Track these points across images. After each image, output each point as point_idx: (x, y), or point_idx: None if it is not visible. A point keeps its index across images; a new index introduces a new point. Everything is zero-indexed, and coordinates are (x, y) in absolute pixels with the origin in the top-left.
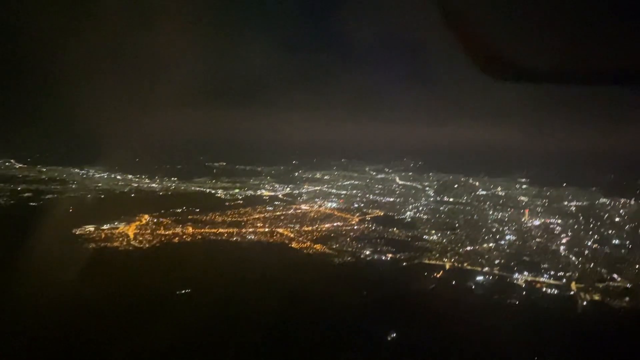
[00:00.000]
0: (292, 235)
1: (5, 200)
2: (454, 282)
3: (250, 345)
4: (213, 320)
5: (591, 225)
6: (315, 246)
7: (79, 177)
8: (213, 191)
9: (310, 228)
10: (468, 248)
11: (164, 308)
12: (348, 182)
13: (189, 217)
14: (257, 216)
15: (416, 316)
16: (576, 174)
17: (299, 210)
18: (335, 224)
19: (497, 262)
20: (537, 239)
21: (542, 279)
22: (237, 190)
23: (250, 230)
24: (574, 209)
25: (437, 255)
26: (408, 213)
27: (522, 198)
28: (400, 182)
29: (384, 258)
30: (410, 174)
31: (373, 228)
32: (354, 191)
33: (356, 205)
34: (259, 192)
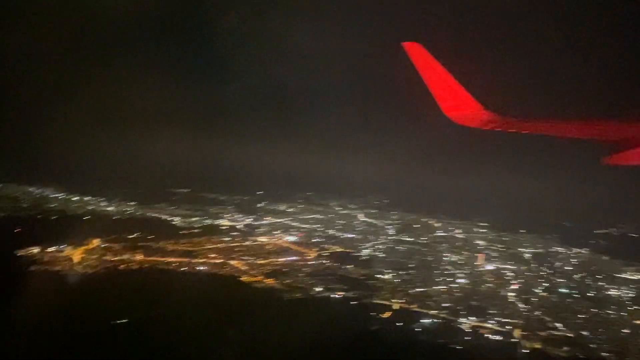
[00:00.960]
0: (244, 268)
1: None
2: (399, 324)
3: None
4: (145, 354)
5: (542, 273)
6: (266, 280)
7: (33, 196)
8: (170, 218)
9: (264, 261)
10: (419, 289)
11: (95, 338)
12: (311, 216)
13: (140, 244)
14: (211, 246)
15: (357, 357)
16: (535, 221)
17: (256, 242)
18: (290, 258)
19: (445, 305)
20: (488, 284)
21: (487, 325)
22: (195, 219)
23: (202, 260)
24: (528, 255)
25: (388, 295)
26: (365, 250)
27: (480, 242)
28: (363, 219)
29: (333, 296)
30: (373, 211)
31: (328, 264)
32: (316, 225)
33: (315, 240)
34: (217, 222)
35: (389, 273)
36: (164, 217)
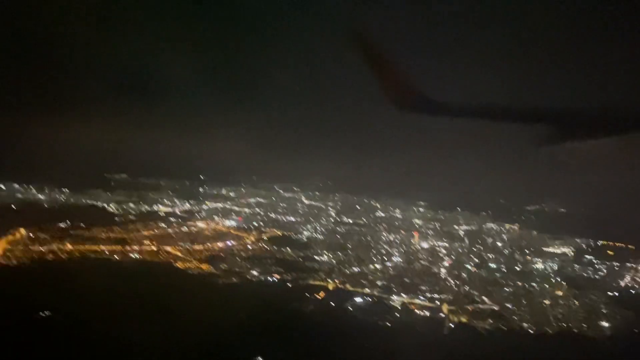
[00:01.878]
0: (179, 255)
1: None
2: (332, 304)
3: None
4: (69, 347)
5: (474, 249)
6: (201, 266)
7: None
8: (105, 205)
9: (201, 247)
10: (355, 269)
11: (16, 332)
12: (253, 200)
13: (71, 232)
14: (146, 233)
15: (288, 339)
16: (471, 200)
17: (194, 228)
18: (228, 243)
19: (379, 283)
20: (422, 261)
21: (417, 301)
22: (131, 205)
23: (136, 248)
24: (462, 232)
25: (323, 276)
26: (305, 233)
27: (417, 221)
28: (306, 202)
29: (270, 279)
30: (317, 193)
31: (267, 248)
32: (257, 209)
33: (255, 224)
34: (155, 208)
35: (326, 254)
36: (99, 204)
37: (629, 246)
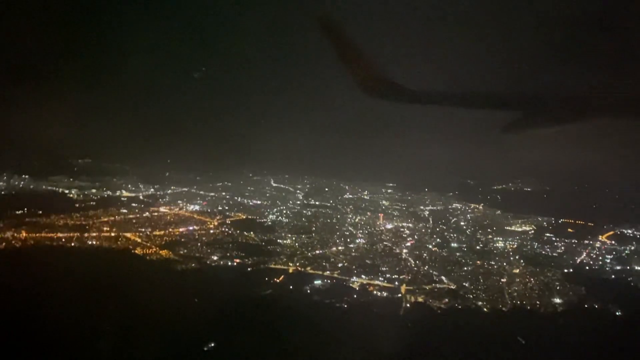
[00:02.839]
0: (139, 240)
1: None
2: (291, 287)
3: None
4: (17, 336)
5: (437, 229)
6: (161, 252)
7: None
8: (67, 191)
9: (161, 232)
10: (317, 252)
11: None
12: (219, 184)
13: (27, 219)
14: (106, 219)
15: (243, 324)
16: (439, 181)
17: (156, 213)
18: (190, 228)
19: (340, 265)
20: (385, 242)
21: (376, 282)
22: (93, 191)
23: (94, 234)
24: (427, 213)
25: (285, 259)
26: (271, 216)
27: (384, 202)
28: (274, 185)
29: (230, 264)
30: (286, 176)
31: (229, 232)
32: (223, 193)
33: (220, 208)
34: (118, 193)
35: (290, 237)
36: (59, 190)
37: (589, 224)
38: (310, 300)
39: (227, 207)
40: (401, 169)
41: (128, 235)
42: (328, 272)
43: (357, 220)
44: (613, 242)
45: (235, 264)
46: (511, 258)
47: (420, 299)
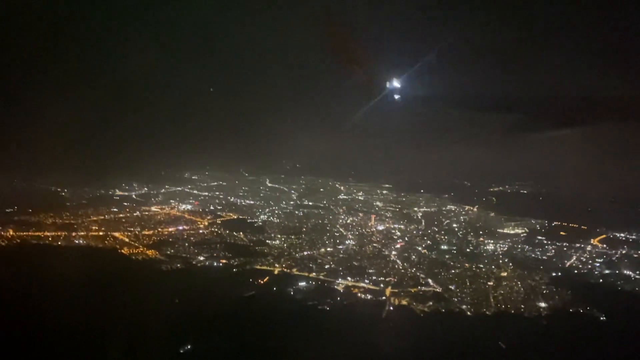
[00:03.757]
0: (126, 240)
1: None
2: (274, 288)
3: None
4: None
5: (429, 231)
6: (147, 252)
7: None
8: (59, 189)
9: (150, 232)
10: (305, 253)
11: None
12: (215, 183)
13: (15, 218)
14: (95, 218)
15: (222, 325)
16: (436, 183)
17: (147, 213)
18: (180, 228)
19: (327, 267)
20: (374, 244)
21: (361, 284)
22: (86, 189)
23: (82, 234)
24: (420, 214)
25: (271, 260)
26: (262, 217)
27: (378, 203)
28: (269, 185)
29: (215, 264)
30: (282, 176)
31: (219, 232)
32: (217, 193)
33: (212, 208)
34: (111, 192)
35: (279, 238)
36: (52, 188)
37: (582, 227)
38: (292, 302)
39: (219, 207)
40: (398, 169)
41: (116, 234)
42: (314, 273)
43: (348, 221)
44: (605, 245)
45: (220, 264)
46: (500, 261)
47: (404, 302)
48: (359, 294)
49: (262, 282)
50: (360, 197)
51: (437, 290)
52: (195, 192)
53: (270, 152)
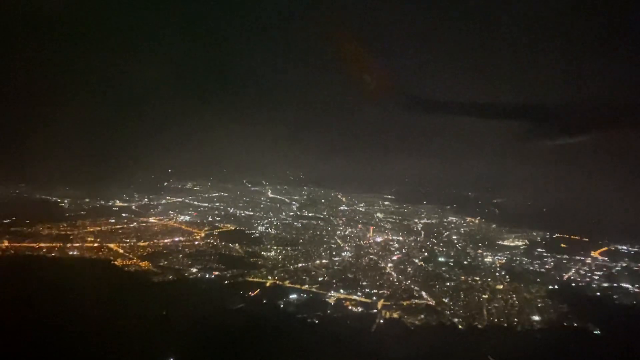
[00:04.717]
0: (121, 251)
1: None
2: (264, 301)
3: None
4: None
5: (427, 243)
6: (141, 263)
7: None
8: (59, 200)
9: (145, 243)
10: (300, 265)
11: None
12: (216, 194)
13: (12, 229)
14: (91, 229)
15: (207, 338)
16: (440, 193)
17: (144, 224)
18: (176, 239)
19: (320, 279)
20: (371, 256)
21: (354, 297)
22: (86, 200)
23: (77, 245)
24: (420, 226)
25: (265, 272)
26: (260, 228)
27: (378, 214)
28: (271, 196)
29: (208, 276)
30: (285, 187)
31: (214, 243)
32: (217, 203)
33: (210, 219)
34: (111, 202)
35: (275, 250)
36: (53, 198)
37: (584, 239)
38: (281, 315)
39: (217, 218)
40: (403, 180)
41: (111, 245)
42: (306, 285)
43: (347, 232)
44: (605, 258)
45: (213, 276)
46: (497, 274)
47: (395, 315)
48: (350, 307)
49: (252, 294)
50: (361, 209)
51: (430, 303)
52: (195, 203)
53: (274, 162)
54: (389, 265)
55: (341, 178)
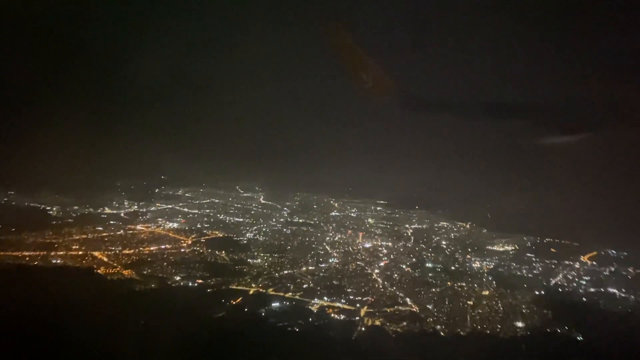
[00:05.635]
0: (104, 260)
1: None
2: (246, 309)
3: None
4: None
5: (416, 249)
6: (124, 271)
7: None
8: (48, 207)
9: (131, 251)
10: (285, 272)
11: None
12: (207, 201)
13: None
14: (77, 237)
15: (187, 346)
16: (432, 198)
17: (131, 231)
18: (162, 247)
19: (305, 286)
20: (358, 262)
21: (337, 304)
22: (75, 207)
23: (60, 253)
24: (410, 232)
25: (249, 280)
26: (248, 235)
27: (369, 220)
28: (263, 202)
29: (191, 284)
30: (278, 192)
31: (200, 251)
32: (207, 210)
33: (198, 226)
34: (99, 210)
35: (261, 257)
36: (41, 206)
37: (574, 243)
38: (262, 323)
39: (206, 225)
40: (396, 185)
41: (95, 253)
42: (290, 293)
43: (336, 239)
44: (594, 262)
45: (196, 284)
46: (484, 279)
47: (377, 322)
48: (333, 315)
49: (234, 302)
50: (352, 214)
51: (414, 309)
52: (185, 209)
53: (267, 168)
54: (376, 271)
55: (334, 183)
